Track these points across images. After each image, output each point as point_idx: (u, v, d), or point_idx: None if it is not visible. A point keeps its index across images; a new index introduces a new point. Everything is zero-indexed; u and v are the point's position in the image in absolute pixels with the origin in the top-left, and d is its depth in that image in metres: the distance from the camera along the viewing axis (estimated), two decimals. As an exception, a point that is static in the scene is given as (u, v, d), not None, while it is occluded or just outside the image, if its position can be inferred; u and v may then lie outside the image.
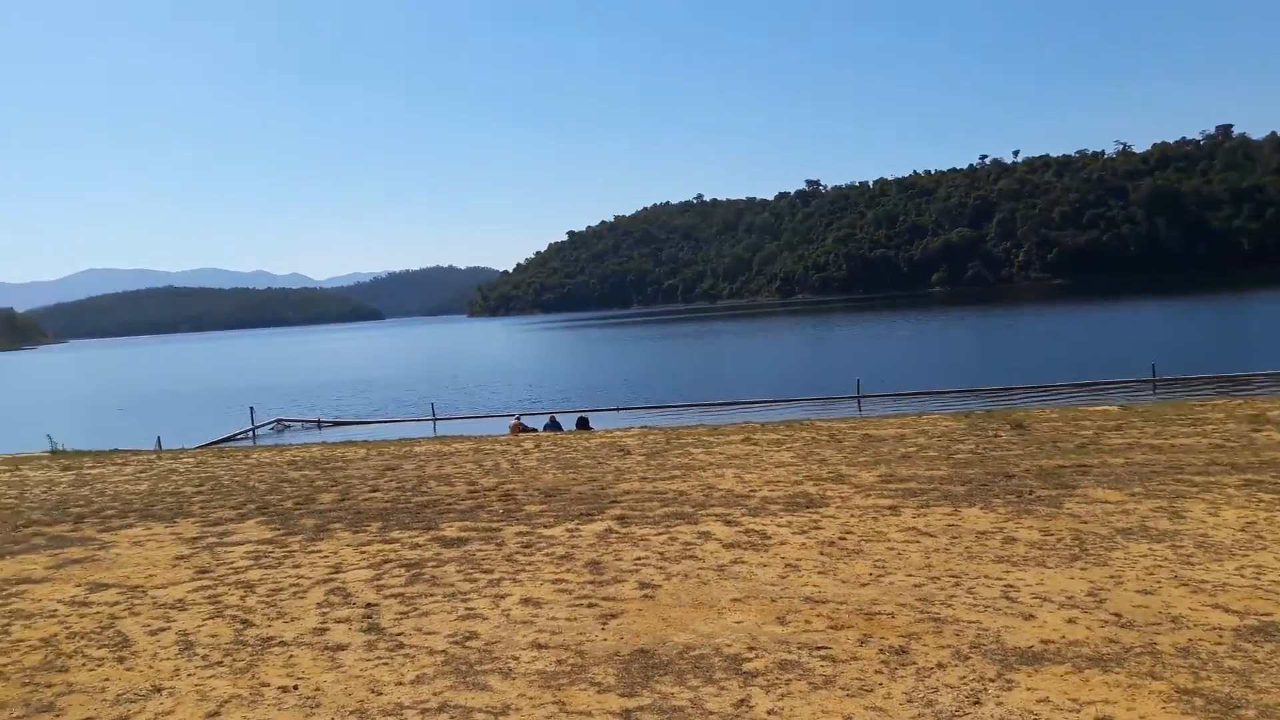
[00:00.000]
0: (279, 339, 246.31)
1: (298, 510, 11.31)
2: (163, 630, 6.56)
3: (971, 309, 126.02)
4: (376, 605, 6.96)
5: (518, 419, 28.70)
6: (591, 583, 7.33)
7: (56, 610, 7.20)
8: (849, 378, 40.97)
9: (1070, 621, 6.04)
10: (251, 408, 41.61)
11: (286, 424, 42.21)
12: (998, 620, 6.11)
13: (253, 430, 38.95)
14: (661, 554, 8.16)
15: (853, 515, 9.40)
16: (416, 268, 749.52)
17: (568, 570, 7.74)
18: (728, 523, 9.30)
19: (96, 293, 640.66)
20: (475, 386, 57.51)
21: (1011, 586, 6.83)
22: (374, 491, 12.43)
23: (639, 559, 8.01)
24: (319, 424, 41.40)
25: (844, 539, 8.44)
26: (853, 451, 13.87)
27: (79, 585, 7.99)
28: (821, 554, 7.96)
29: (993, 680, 5.14)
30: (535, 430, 26.45)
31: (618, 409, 36.94)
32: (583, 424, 26.59)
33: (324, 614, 6.80)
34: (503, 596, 7.05)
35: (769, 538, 8.60)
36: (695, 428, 19.61)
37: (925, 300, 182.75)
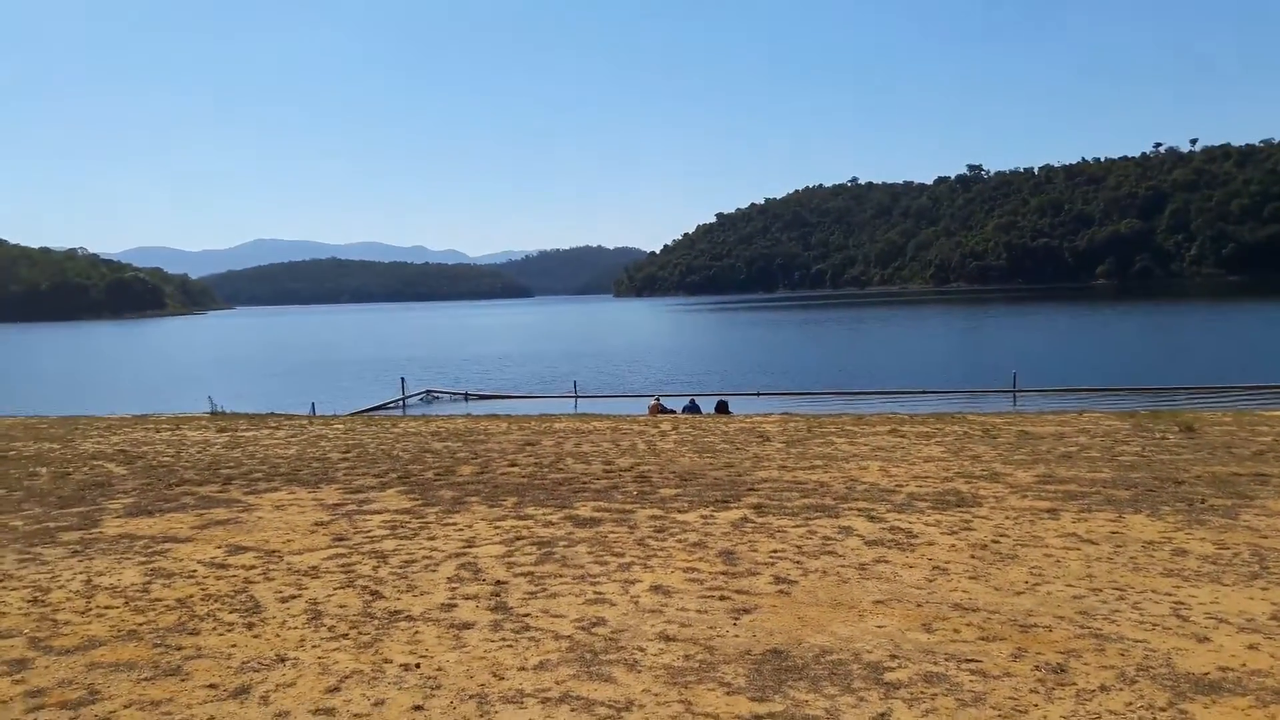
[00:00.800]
0: (433, 312, 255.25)
1: (437, 481, 11.41)
2: (293, 598, 6.58)
3: (1138, 303, 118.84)
4: (505, 583, 6.82)
5: (657, 400, 28.59)
6: (724, 574, 6.98)
7: (195, 571, 7.36)
8: (1003, 370, 39.11)
9: (1252, 648, 5.36)
10: (403, 378, 43.02)
11: (435, 395, 43.46)
12: (1167, 641, 5.48)
13: (403, 400, 40.25)
14: (799, 547, 7.74)
15: (1007, 517, 8.72)
16: (566, 247, 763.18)
17: (700, 559, 7.42)
18: (871, 518, 8.79)
19: (264, 262, 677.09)
20: (616, 365, 57.89)
21: (1182, 604, 6.15)
22: (512, 466, 12.44)
23: (775, 551, 7.61)
24: (465, 396, 42.45)
25: (997, 542, 7.80)
26: (1008, 448, 13.05)
27: (219, 547, 8.18)
28: (973, 557, 7.37)
29: (1164, 710, 4.57)
30: (674, 412, 26.26)
31: (758, 394, 36.38)
32: (722, 408, 26.22)
33: (453, 590, 6.69)
34: (632, 582, 6.79)
35: (915, 536, 8.05)
36: (838, 416, 18.98)
37: (1089, 293, 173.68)
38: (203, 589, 6.85)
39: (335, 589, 6.78)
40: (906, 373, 44.85)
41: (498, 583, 6.84)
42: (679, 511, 9.25)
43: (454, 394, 43.50)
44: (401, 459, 13.38)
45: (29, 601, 6.60)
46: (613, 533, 8.39)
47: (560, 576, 6.98)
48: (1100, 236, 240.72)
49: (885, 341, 77.47)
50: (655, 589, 6.61)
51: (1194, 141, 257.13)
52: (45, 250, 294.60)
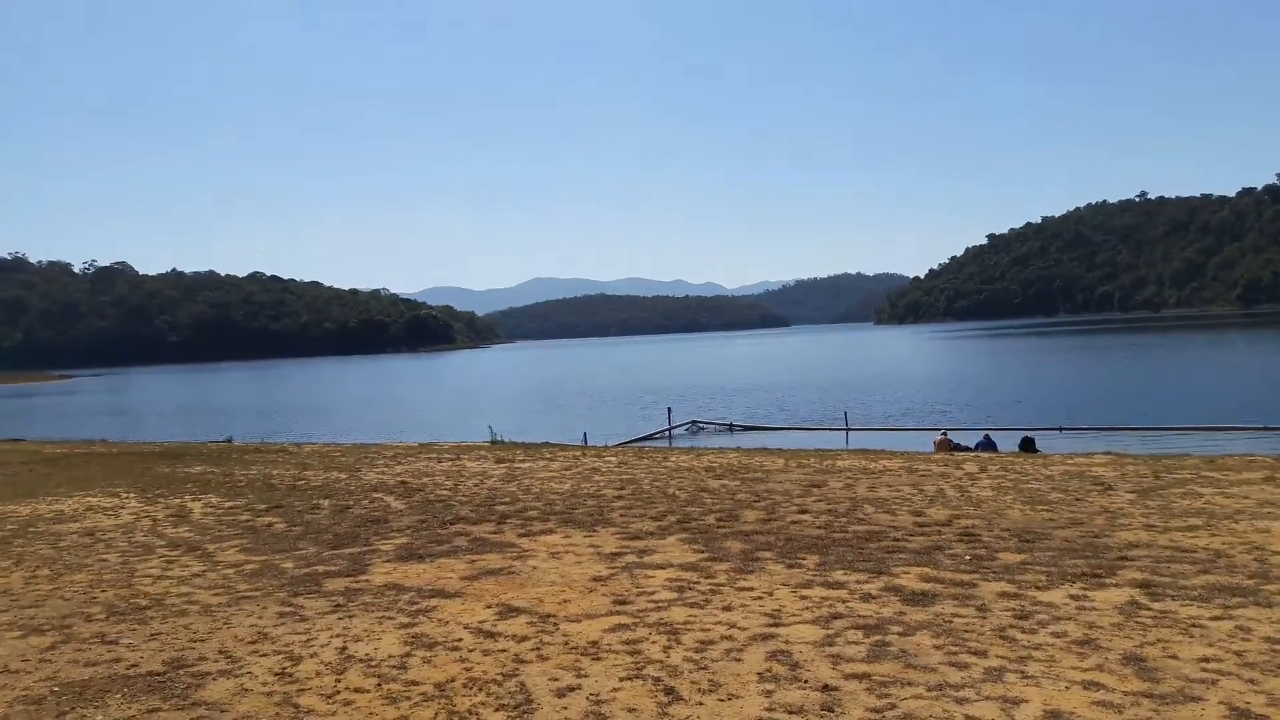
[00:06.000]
0: (693, 343, 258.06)
1: (721, 528, 10.02)
2: (571, 690, 5.26)
3: None
4: (836, 690, 5.16)
5: (944, 435, 26.01)
6: (1146, 695, 4.97)
7: (461, 641, 6.25)
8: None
9: None
10: (669, 409, 42.52)
11: (700, 425, 42.60)
12: None
13: (669, 430, 39.65)
14: (1239, 655, 5.55)
15: None
16: (824, 275, 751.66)
17: (1098, 667, 5.42)
18: (1322, 611, 6.39)
19: (541, 299, 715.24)
20: (884, 396, 54.71)
21: None
22: (802, 513, 10.83)
23: (1206, 660, 5.47)
24: (730, 427, 41.26)
25: None
26: None
27: (489, 606, 7.09)
28: None
29: None
30: (967, 449, 23.66)
31: (1060, 429, 32.48)
32: (1028, 445, 23.28)
33: (768, 694, 5.12)
34: (1015, 702, 4.92)
35: None
36: (1184, 459, 15.84)
37: None
38: (466, 668, 5.69)
39: (621, 679, 5.41)
40: (1229, 405, 38.83)
41: (825, 688, 5.20)
42: (1037, 588, 7.22)
43: (719, 424, 42.42)
44: (678, 499, 12.15)
45: (276, 675, 5.74)
46: (958, 616, 6.53)
47: (908, 683, 5.23)
48: None
49: (1196, 369, 68.68)
50: (1052, 716, 4.73)
51: None
52: (354, 291, 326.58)
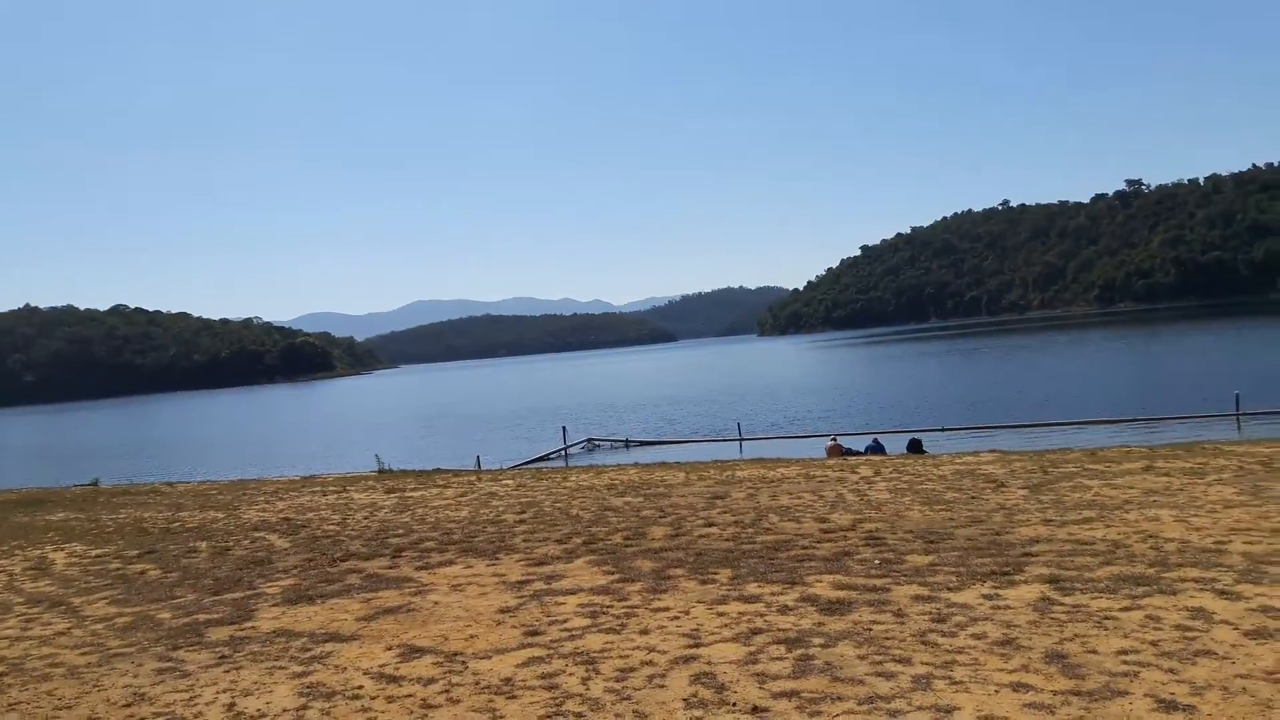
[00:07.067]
0: (582, 361, 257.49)
1: (629, 547, 9.78)
2: (488, 736, 4.91)
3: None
4: (766, 711, 4.95)
5: (834, 440, 26.41)
6: (1074, 694, 4.92)
7: (362, 689, 5.79)
8: (1207, 391, 34.87)
9: None
10: (564, 427, 42.14)
11: (596, 443, 42.35)
12: None
13: (565, 450, 39.27)
14: (1154, 644, 5.60)
15: None
16: (708, 289, 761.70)
17: (1023, 667, 5.37)
18: (1221, 593, 6.54)
19: (424, 322, 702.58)
20: (772, 405, 55.54)
21: None
22: (709, 526, 10.69)
23: (1124, 652, 5.50)
24: (626, 443, 41.13)
25: None
26: (1323, 487, 10.41)
27: (390, 648, 6.63)
28: None
29: None
30: (858, 453, 24.04)
31: (943, 429, 33.44)
32: (915, 447, 23.81)
33: (698, 719, 4.89)
34: (948, 710, 4.81)
35: (1314, 625, 5.78)
36: (1067, 452, 16.42)
37: (1272, 306, 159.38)
38: (370, 718, 5.24)
39: (539, 718, 5.08)
40: (1092, 399, 40.82)
41: (755, 709, 4.98)
42: (949, 589, 7.21)
43: (614, 441, 42.26)
44: (583, 519, 11.85)
45: (156, 742, 5.17)
46: (876, 623, 6.44)
47: (838, 697, 5.07)
48: (1278, 247, 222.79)
49: (1060, 366, 72.09)
50: (986, 721, 4.63)
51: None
52: (225, 321, 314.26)
